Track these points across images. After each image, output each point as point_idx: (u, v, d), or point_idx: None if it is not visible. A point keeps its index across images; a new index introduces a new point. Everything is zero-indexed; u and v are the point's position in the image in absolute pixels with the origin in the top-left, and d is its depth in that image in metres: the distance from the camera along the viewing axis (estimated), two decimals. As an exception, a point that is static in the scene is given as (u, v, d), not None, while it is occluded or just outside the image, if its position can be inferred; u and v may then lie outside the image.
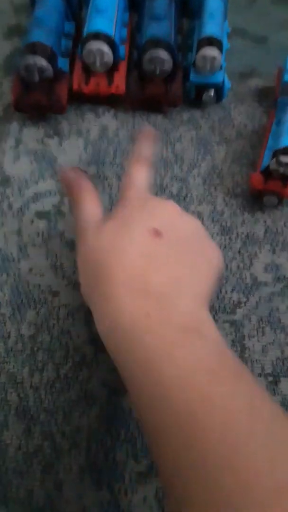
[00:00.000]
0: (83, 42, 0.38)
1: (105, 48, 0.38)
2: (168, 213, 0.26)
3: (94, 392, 0.30)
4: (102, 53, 0.38)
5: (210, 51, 0.38)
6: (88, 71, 0.40)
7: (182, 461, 0.18)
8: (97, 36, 0.38)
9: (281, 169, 0.34)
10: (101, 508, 0.27)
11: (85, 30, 0.39)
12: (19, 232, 0.36)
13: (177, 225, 0.26)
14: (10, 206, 0.37)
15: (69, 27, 0.43)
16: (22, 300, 0.33)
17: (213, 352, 0.21)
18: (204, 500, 0.17)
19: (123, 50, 0.41)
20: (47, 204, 0.37)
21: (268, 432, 0.18)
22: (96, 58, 0.39)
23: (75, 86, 0.40)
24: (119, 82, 0.40)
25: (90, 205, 0.28)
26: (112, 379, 0.30)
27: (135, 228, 0.25)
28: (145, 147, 0.31)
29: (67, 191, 0.30)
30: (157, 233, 0.25)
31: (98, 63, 0.39)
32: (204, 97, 0.41)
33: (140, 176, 0.29)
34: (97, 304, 0.24)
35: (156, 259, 0.24)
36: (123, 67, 0.41)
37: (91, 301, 0.24)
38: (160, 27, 0.40)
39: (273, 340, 0.32)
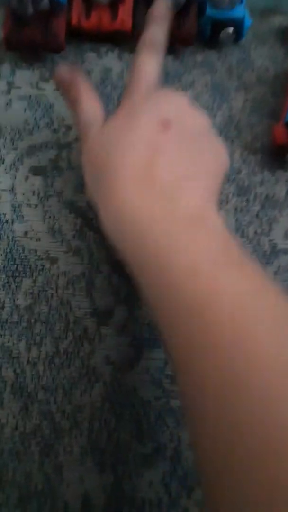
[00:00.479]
0: None
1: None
2: (177, 104, 0.25)
3: (97, 369, 0.28)
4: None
5: (231, -21, 0.33)
6: (89, 3, 0.35)
7: (196, 346, 0.19)
8: None
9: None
10: (103, 492, 0.25)
11: None
12: (12, 190, 0.32)
13: (186, 118, 0.25)
14: (2, 160, 0.33)
15: None
16: (17, 267, 0.30)
17: (219, 240, 0.21)
18: (219, 382, 0.18)
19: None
20: (43, 158, 0.33)
21: (274, 316, 0.19)
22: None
23: (74, 21, 0.35)
24: (125, 16, 0.35)
25: (91, 104, 0.26)
26: (116, 354, 0.28)
27: (142, 119, 0.24)
28: (156, 29, 0.28)
29: (64, 92, 0.28)
30: (165, 125, 0.24)
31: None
32: (222, 35, 0.36)
33: (149, 65, 0.27)
34: (102, 199, 0.23)
35: (164, 152, 0.23)
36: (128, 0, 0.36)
37: (97, 199, 0.24)
38: None
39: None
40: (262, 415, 0.16)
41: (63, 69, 0.28)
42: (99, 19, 0.35)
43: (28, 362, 0.28)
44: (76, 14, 0.35)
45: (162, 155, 0.23)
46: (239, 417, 0.17)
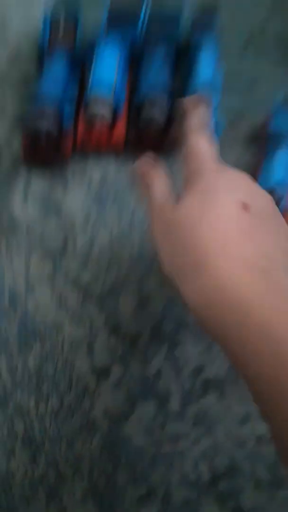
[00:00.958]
0: (86, 103, 0.42)
1: (105, 110, 0.42)
2: (248, 185, 0.26)
3: (96, 421, 0.31)
4: (102, 115, 0.42)
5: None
6: (90, 125, 0.44)
7: None
8: (98, 97, 0.42)
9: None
10: (103, 532, 0.28)
11: (89, 91, 0.43)
12: (26, 271, 0.38)
13: (258, 198, 0.25)
14: (18, 247, 0.40)
15: (73, 85, 0.47)
16: (28, 335, 0.35)
17: None
18: None
19: (122, 105, 0.45)
20: (52, 245, 0.40)
21: None
22: (97, 118, 0.42)
23: (78, 140, 0.44)
24: (119, 135, 0.44)
25: (162, 185, 0.28)
26: (113, 408, 0.32)
27: (221, 197, 0.24)
28: (197, 114, 0.29)
29: (140, 182, 0.30)
30: (245, 206, 0.24)
31: (98, 125, 0.43)
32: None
33: (204, 144, 0.27)
34: (190, 276, 0.23)
35: (248, 231, 0.23)
36: (122, 120, 0.44)
37: (181, 275, 0.23)
38: (156, 83, 0.44)
39: None
40: None
41: (139, 164, 0.30)
42: (99, 140, 0.44)
43: (36, 416, 0.32)
44: (80, 134, 0.44)
45: (248, 233, 0.23)
46: None
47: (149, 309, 0.36)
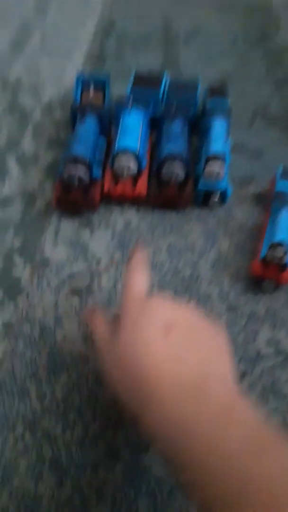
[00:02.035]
0: (114, 157, 0.46)
1: (131, 163, 0.46)
2: (168, 307, 0.28)
3: (119, 450, 0.33)
4: (128, 166, 0.46)
5: (215, 167, 0.45)
6: (116, 177, 0.48)
7: None
8: (125, 152, 0.46)
9: (276, 259, 0.39)
10: None
11: (116, 146, 0.47)
12: (55, 306, 0.41)
13: (179, 316, 0.27)
14: (48, 284, 0.42)
15: (102, 141, 0.51)
16: (56, 365, 0.37)
17: (249, 429, 0.23)
18: None
19: (145, 161, 0.49)
20: (79, 283, 0.42)
21: None
22: (124, 170, 0.46)
23: (105, 190, 0.47)
24: (141, 187, 0.47)
25: (102, 327, 0.31)
26: (135, 438, 0.33)
27: (146, 330, 0.26)
28: (140, 258, 0.32)
29: (87, 324, 0.35)
30: (167, 329, 0.26)
31: (125, 174, 0.46)
32: (211, 201, 0.48)
33: (138, 280, 0.31)
34: (141, 409, 0.25)
35: (177, 354, 0.25)
36: (145, 175, 0.48)
37: (137, 408, 0.25)
38: (176, 145, 0.48)
39: (276, 407, 0.36)
40: None
41: (84, 313, 0.36)
42: (123, 189, 0.47)
43: (63, 443, 0.33)
44: (108, 185, 0.48)
45: (176, 356, 0.25)
46: None
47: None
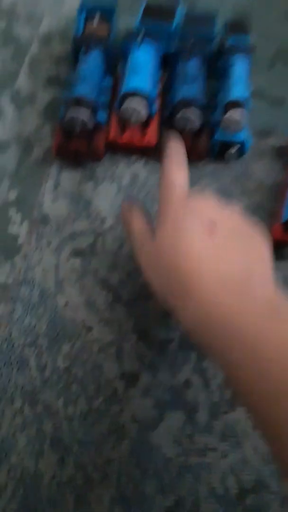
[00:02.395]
0: (121, 100, 0.40)
1: (140, 106, 0.40)
2: (213, 207, 0.27)
3: (125, 427, 0.30)
4: (137, 110, 0.40)
5: (235, 115, 0.40)
6: (123, 123, 0.42)
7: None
8: (133, 94, 0.40)
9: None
10: None
11: (123, 88, 0.41)
12: (56, 268, 0.37)
13: (224, 218, 0.27)
14: (48, 244, 0.38)
15: (108, 81, 0.45)
16: (58, 333, 0.34)
17: None
18: None
19: (156, 106, 0.43)
20: (82, 243, 0.38)
21: None
22: (132, 115, 0.41)
23: (110, 137, 0.42)
24: (151, 136, 0.42)
25: (140, 222, 0.30)
26: (142, 415, 0.31)
27: (190, 226, 0.25)
28: (177, 152, 0.31)
29: (124, 220, 0.32)
30: (211, 230, 0.25)
31: (133, 119, 0.41)
32: (227, 154, 0.43)
33: (178, 176, 0.29)
34: (180, 301, 0.24)
35: (219, 254, 0.25)
36: (155, 122, 0.43)
37: (173, 301, 0.25)
38: (192, 88, 0.42)
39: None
40: None
41: (122, 207, 0.33)
42: (131, 136, 0.42)
43: (65, 418, 0.31)
44: (113, 132, 0.42)
45: (219, 255, 0.24)
46: None
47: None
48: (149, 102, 0.41)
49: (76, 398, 0.31)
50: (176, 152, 0.31)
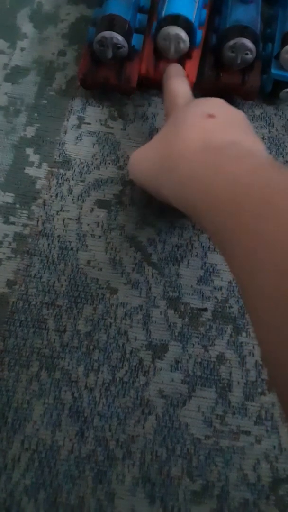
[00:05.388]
0: (160, 25, 0.34)
1: (183, 35, 0.34)
2: (216, 102, 0.28)
3: (150, 401, 0.28)
4: (179, 39, 0.34)
5: (299, 46, 0.34)
6: (158, 54, 0.36)
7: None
8: (176, 20, 0.34)
9: None
10: (153, 524, 0.25)
11: (164, 11, 0.34)
12: (78, 220, 0.33)
13: (226, 111, 0.28)
14: (70, 191, 0.34)
15: (145, 0, 0.38)
16: (79, 294, 0.31)
17: (267, 163, 0.22)
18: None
19: (200, 35, 0.36)
20: (108, 193, 0.34)
21: None
22: (172, 44, 0.34)
23: (143, 71, 0.36)
24: (191, 71, 0.36)
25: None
26: (170, 389, 0.28)
27: (189, 114, 0.27)
28: (177, 69, 0.33)
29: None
30: (210, 115, 0.26)
31: (173, 50, 0.35)
32: (282, 93, 0.37)
33: (182, 86, 0.31)
34: (165, 178, 0.26)
35: (213, 130, 0.26)
36: (196, 54, 0.36)
37: (159, 179, 0.27)
38: (247, 12, 0.35)
39: None
40: None
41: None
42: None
43: (85, 387, 0.28)
44: (146, 64, 0.36)
45: (212, 131, 0.25)
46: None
47: (213, 284, 0.31)
48: (194, 30, 0.34)
49: (98, 366, 0.28)
50: (176, 70, 0.33)
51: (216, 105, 0.28)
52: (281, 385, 0.16)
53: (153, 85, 0.37)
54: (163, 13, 0.34)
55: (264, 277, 0.17)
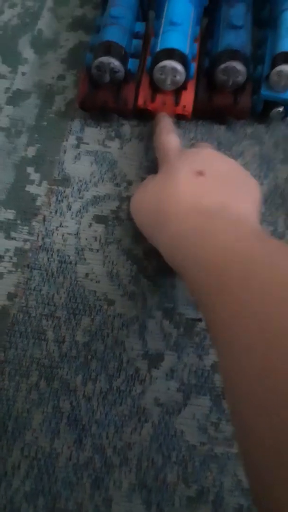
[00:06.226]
0: (156, 59, 0.36)
1: (179, 67, 0.35)
2: (206, 155, 0.29)
3: (147, 409, 0.29)
4: (175, 72, 0.35)
5: (286, 70, 0.36)
6: (155, 87, 0.38)
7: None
8: (171, 53, 0.35)
9: None
10: (149, 529, 0.26)
11: (159, 45, 0.36)
12: (77, 235, 0.34)
13: (216, 164, 0.29)
14: (69, 207, 0.35)
15: (140, 26, 0.40)
16: (77, 305, 0.32)
17: (254, 233, 0.23)
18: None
19: (193, 68, 0.38)
20: (105, 208, 0.36)
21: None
22: (168, 77, 0.36)
23: (140, 103, 0.37)
24: (187, 102, 0.37)
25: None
26: (165, 397, 0.29)
27: (180, 173, 0.28)
28: (167, 122, 0.35)
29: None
30: (199, 172, 0.27)
31: (169, 82, 0.36)
32: (272, 113, 0.39)
33: (172, 141, 0.33)
34: (160, 232, 0.27)
35: (202, 191, 0.26)
36: (191, 85, 0.38)
37: (156, 234, 0.28)
38: (238, 36, 0.37)
39: None
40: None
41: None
42: (163, 103, 0.37)
43: (83, 396, 0.29)
44: (143, 98, 0.37)
45: (202, 192, 0.26)
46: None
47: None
48: (188, 62, 0.36)
49: (96, 375, 0.29)
50: (166, 123, 0.35)
51: (206, 160, 0.29)
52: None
53: (150, 115, 0.38)
54: (158, 47, 0.36)
55: (246, 343, 0.18)
